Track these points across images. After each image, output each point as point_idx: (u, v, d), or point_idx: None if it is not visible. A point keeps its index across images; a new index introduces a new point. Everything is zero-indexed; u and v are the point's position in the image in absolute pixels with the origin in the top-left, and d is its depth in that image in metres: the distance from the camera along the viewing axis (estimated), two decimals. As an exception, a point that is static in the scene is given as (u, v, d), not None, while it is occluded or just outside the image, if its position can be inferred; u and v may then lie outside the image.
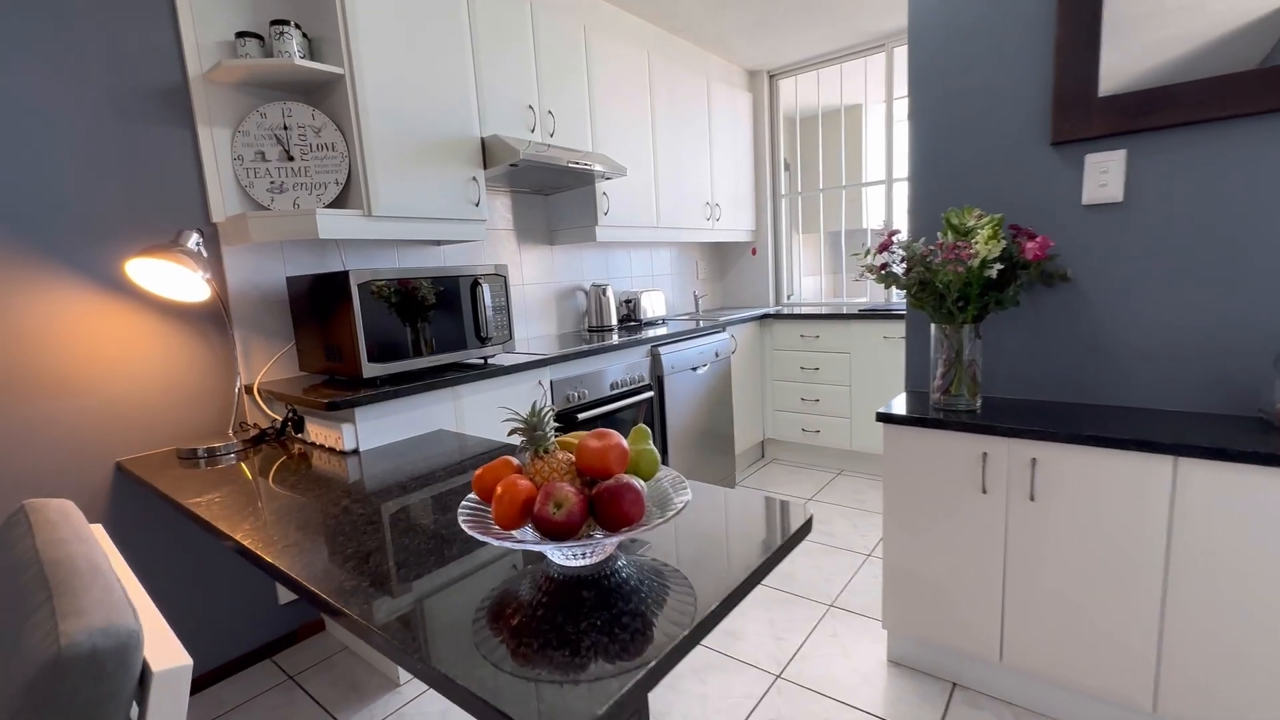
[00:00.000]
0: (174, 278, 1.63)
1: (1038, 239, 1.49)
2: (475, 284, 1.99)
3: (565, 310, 3.08)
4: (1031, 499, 1.47)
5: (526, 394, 2.13)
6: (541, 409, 0.92)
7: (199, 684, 1.85)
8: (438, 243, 2.46)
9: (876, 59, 3.65)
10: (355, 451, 1.61)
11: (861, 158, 4.53)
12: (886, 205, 3.61)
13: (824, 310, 3.68)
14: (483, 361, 2.10)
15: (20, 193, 1.52)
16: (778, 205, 4.05)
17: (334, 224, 1.82)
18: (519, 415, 0.91)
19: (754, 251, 4.10)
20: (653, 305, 3.32)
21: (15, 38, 1.50)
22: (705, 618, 0.71)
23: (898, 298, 3.67)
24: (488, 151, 2.23)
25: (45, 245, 1.56)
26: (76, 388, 1.61)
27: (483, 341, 2.02)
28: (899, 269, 1.64)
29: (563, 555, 0.85)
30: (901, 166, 3.60)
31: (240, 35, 1.75)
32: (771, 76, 3.94)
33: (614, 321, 3.08)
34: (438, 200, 2.09)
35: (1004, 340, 1.77)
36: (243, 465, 1.52)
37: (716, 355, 3.05)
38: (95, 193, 1.63)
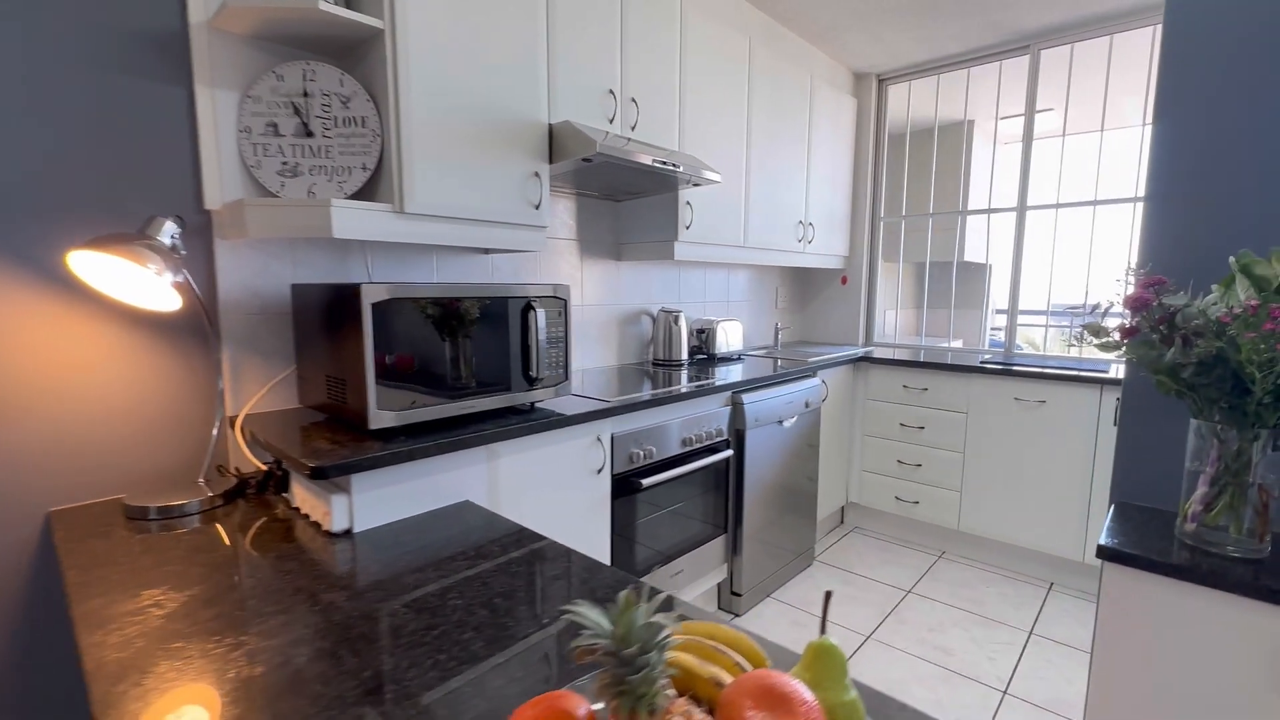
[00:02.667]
0: (135, 279, 1.23)
1: None
2: (528, 307, 1.53)
3: (628, 338, 2.61)
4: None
5: (581, 454, 1.66)
6: (642, 627, 0.44)
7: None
8: (485, 251, 2.03)
9: (1014, 64, 3.07)
10: (348, 534, 1.16)
11: (961, 180, 3.93)
12: (1019, 235, 3.01)
13: (922, 354, 3.10)
14: (529, 407, 1.64)
15: (-55, 155, 1.15)
16: (876, 229, 3.50)
17: (354, 221, 1.40)
18: (591, 621, 0.43)
19: (844, 280, 3.55)
20: (729, 337, 2.82)
21: (-44, -49, 1.13)
22: None
23: (1020, 349, 3.05)
24: (555, 142, 1.79)
25: (-25, 226, 1.18)
26: (7, 413, 1.22)
27: (531, 382, 1.56)
28: (1150, 333, 1.09)
29: None
30: (1040, 191, 3.01)
31: (256, -29, 1.36)
32: (881, 81, 3.41)
33: (684, 355, 2.59)
34: (490, 198, 1.65)
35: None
36: (210, 530, 1.09)
37: (807, 405, 2.52)
38: (55, 162, 1.25)
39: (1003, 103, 4.00)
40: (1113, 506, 1.32)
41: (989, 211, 3.21)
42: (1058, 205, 2.94)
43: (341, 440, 1.29)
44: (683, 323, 2.58)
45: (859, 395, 3.03)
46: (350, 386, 1.31)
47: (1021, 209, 3.00)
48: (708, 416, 2.07)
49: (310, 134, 1.48)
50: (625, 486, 1.78)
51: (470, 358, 1.44)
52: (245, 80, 1.47)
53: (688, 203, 2.30)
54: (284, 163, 1.48)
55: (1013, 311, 3.09)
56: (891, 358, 2.91)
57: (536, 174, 1.76)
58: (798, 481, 2.56)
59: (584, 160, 1.76)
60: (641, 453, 1.82)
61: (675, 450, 1.95)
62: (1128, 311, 1.11)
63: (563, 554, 1.06)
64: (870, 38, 2.99)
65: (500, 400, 1.50)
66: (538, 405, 1.66)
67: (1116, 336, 1.13)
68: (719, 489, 2.17)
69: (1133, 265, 1.14)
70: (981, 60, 3.09)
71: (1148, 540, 1.13)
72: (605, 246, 2.47)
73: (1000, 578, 2.62)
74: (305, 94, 1.47)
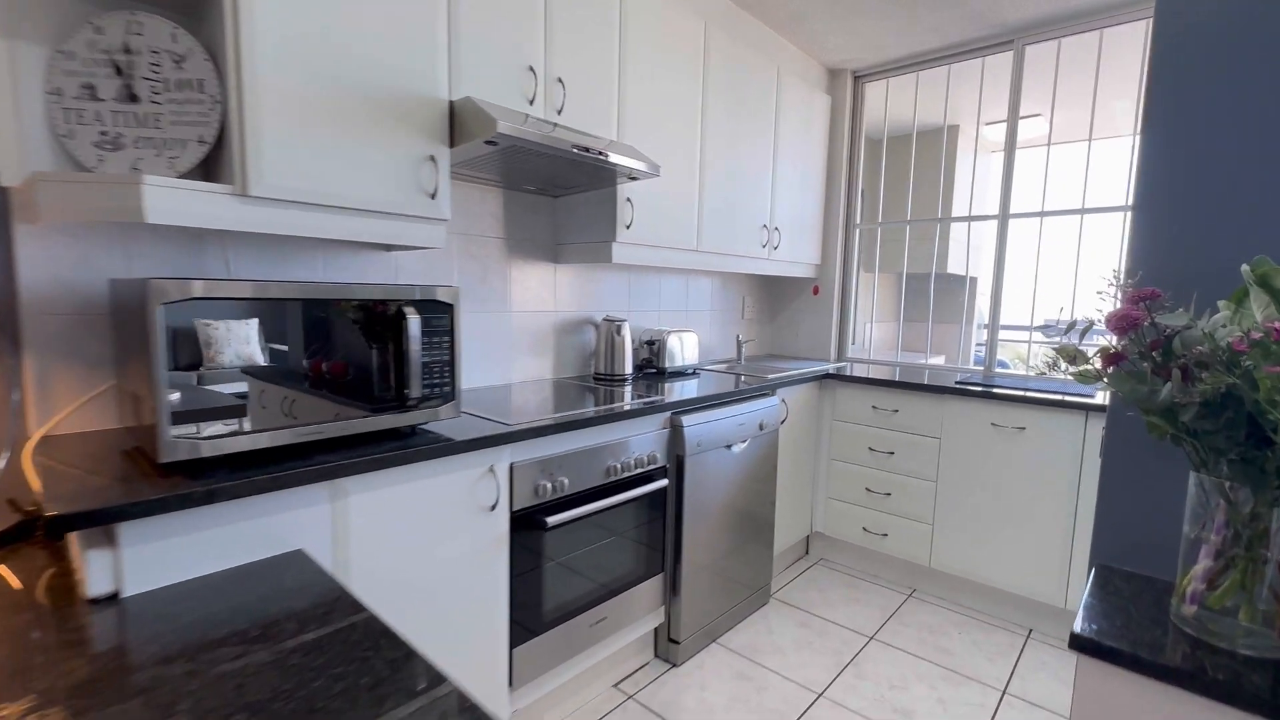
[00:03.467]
0: None
1: None
2: (398, 314, 1.28)
3: (568, 349, 2.36)
4: None
5: (467, 488, 1.40)
6: None
7: None
8: (387, 248, 1.77)
9: (998, 62, 2.85)
10: (114, 598, 0.90)
11: (942, 186, 3.72)
12: (1000, 245, 2.78)
13: (898, 372, 2.86)
14: (410, 430, 1.38)
15: None
16: (850, 237, 3.26)
17: (178, 204, 1.14)
18: None
19: (816, 290, 3.32)
20: (684, 350, 2.57)
21: None
22: None
23: (1004, 368, 2.81)
24: (457, 122, 1.55)
25: None
26: None
27: (403, 403, 1.30)
28: (1138, 362, 0.85)
29: None
30: (1023, 198, 2.78)
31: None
32: (857, 78, 3.19)
33: (628, 368, 2.34)
34: (368, 184, 1.40)
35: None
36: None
37: (761, 428, 2.27)
38: None
39: (986, 108, 3.79)
40: (1092, 571, 1.07)
41: (970, 219, 2.98)
42: (1042, 214, 2.71)
43: (133, 475, 1.03)
44: (626, 333, 2.33)
45: (825, 415, 2.78)
46: (146, 406, 1.04)
47: (1004, 216, 2.78)
48: (640, 441, 1.82)
49: (135, 99, 1.23)
50: (529, 524, 1.52)
51: (322, 373, 1.18)
52: (56, 32, 1.22)
53: (628, 200, 2.06)
54: (103, 133, 1.22)
55: (993, 327, 2.86)
56: (859, 375, 2.66)
57: (432, 158, 1.51)
58: (752, 511, 2.31)
59: (488, 144, 1.52)
60: (551, 484, 1.56)
61: (597, 480, 1.69)
62: (1112, 333, 0.86)
63: (375, 636, 0.80)
64: (843, 28, 2.77)
65: (357, 425, 1.24)
66: (420, 429, 1.40)
67: (1098, 364, 0.88)
68: (655, 523, 1.91)
69: (1118, 273, 0.90)
70: (963, 55, 2.87)
71: (1135, 624, 0.88)
72: (540, 247, 2.22)
73: (974, 622, 2.36)
74: (129, 50, 1.22)
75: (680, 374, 2.55)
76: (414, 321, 1.28)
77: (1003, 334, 2.92)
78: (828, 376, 2.73)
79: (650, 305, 2.71)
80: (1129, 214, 2.51)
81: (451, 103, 1.55)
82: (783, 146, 2.82)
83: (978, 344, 5.19)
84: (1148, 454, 1.11)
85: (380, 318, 1.26)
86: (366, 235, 1.43)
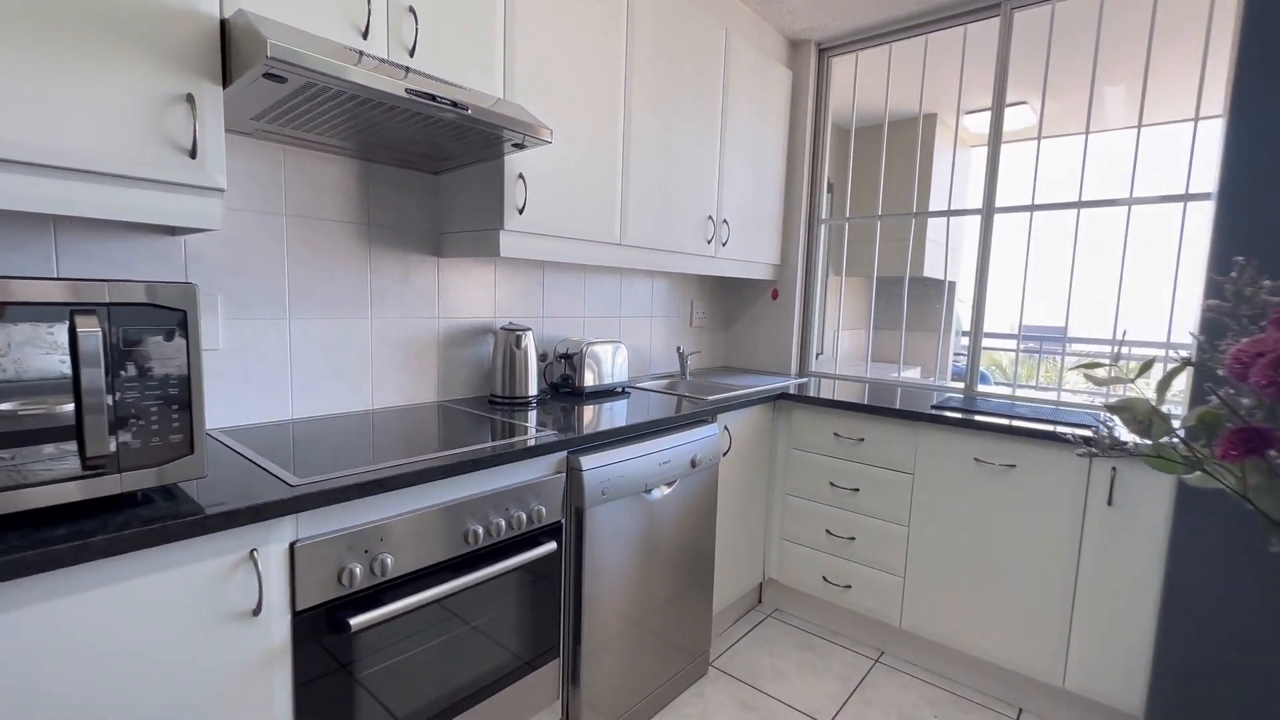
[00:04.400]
0: None
1: None
2: (70, 326, 0.81)
3: (458, 365, 1.90)
4: None
5: (209, 586, 0.93)
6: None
7: None
8: (171, 231, 1.30)
9: (982, 33, 2.46)
10: None
11: (917, 181, 3.34)
12: (984, 242, 2.38)
13: (867, 390, 2.45)
14: (135, 499, 0.91)
15: None
16: (814, 234, 2.85)
17: None
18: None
19: (775, 294, 2.90)
20: (611, 364, 2.12)
21: None
22: None
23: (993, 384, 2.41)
24: (232, 48, 1.08)
25: None
26: None
27: (84, 460, 0.83)
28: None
29: None
30: (1008, 195, 2.39)
31: None
32: (822, 50, 2.78)
33: (533, 389, 1.88)
34: (80, 131, 0.93)
35: None
36: None
37: (694, 464, 1.83)
38: None
39: (967, 94, 3.42)
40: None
41: (949, 214, 2.58)
42: (1032, 207, 2.32)
43: None
44: (530, 345, 1.88)
45: (780, 443, 2.35)
46: None
47: (988, 210, 2.38)
48: (518, 492, 1.37)
49: None
50: (324, 627, 1.06)
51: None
52: None
53: (519, 177, 1.61)
54: None
55: (975, 337, 2.46)
56: (817, 396, 2.24)
57: (190, 98, 1.05)
58: (685, 565, 1.87)
59: (269, 78, 1.05)
60: (365, 567, 1.10)
61: (448, 552, 1.24)
62: (1238, 387, 0.44)
63: None
64: (803, -13, 2.35)
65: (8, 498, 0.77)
66: (147, 496, 0.93)
67: (1208, 449, 0.46)
68: (545, 596, 1.46)
69: (1240, 264, 0.48)
70: (943, 23, 2.47)
71: None
72: (417, 236, 1.76)
73: (950, 697, 1.95)
74: None
75: (605, 394, 2.10)
76: (88, 338, 0.81)
77: (985, 341, 2.53)
78: (782, 397, 2.31)
79: (572, 310, 2.26)
80: (1133, 208, 2.13)
81: (224, 21, 1.08)
82: (734, 125, 2.39)
83: (956, 353, 4.84)
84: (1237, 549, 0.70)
85: (48, 333, 0.79)
86: (78, 207, 0.96)
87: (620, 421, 1.67)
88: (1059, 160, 2.60)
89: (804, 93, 2.75)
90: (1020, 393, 2.39)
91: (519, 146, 1.49)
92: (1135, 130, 2.16)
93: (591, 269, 2.32)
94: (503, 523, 1.32)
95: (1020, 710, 1.90)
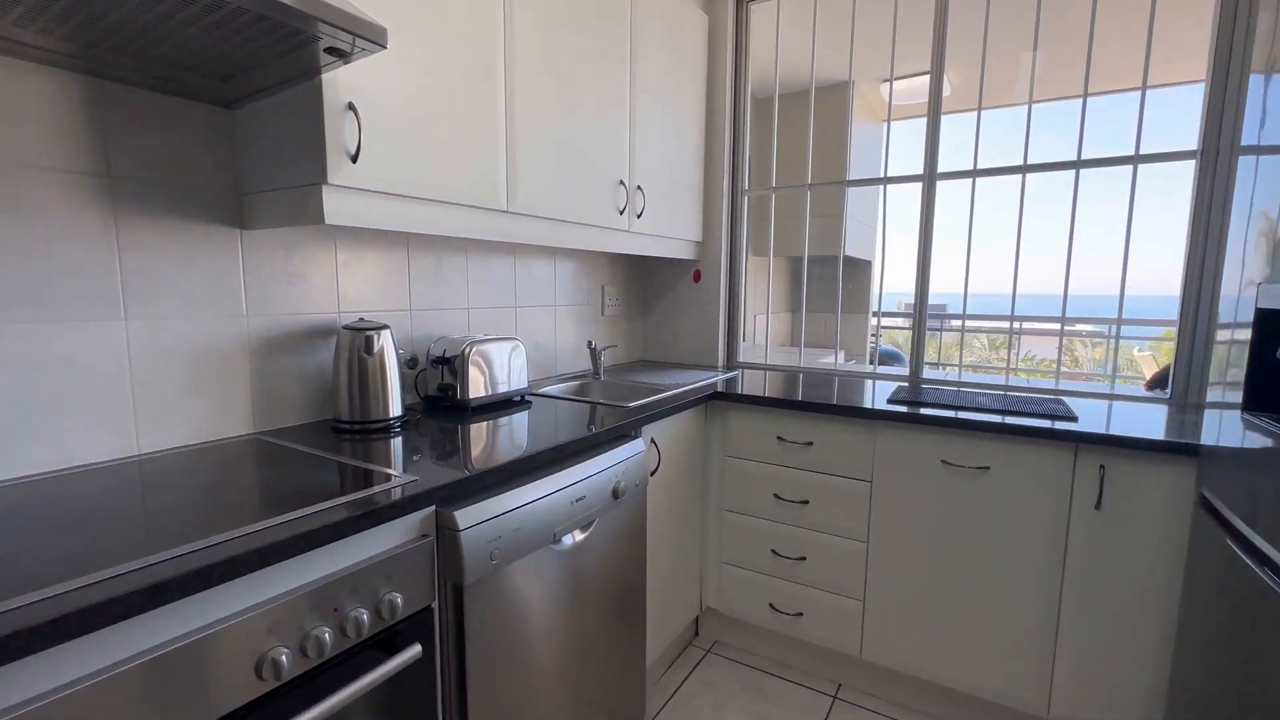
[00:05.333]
0: None
1: None
2: None
3: (283, 380, 1.36)
4: None
5: None
6: None
7: None
8: None
9: (913, -24, 2.19)
10: None
11: (850, 151, 3.12)
12: (926, 211, 2.13)
13: (801, 384, 2.15)
14: None
15: None
16: (738, 206, 2.51)
17: None
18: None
19: (698, 276, 2.53)
20: (504, 368, 1.66)
21: None
22: None
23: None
24: None
25: None
26: None
27: None
28: None
29: None
30: (952, 156, 2.15)
31: None
32: (740, -4, 2.42)
33: (396, 407, 1.39)
34: None
35: None
36: None
37: (617, 494, 1.41)
38: None
39: (888, 62, 3.21)
40: None
41: (885, 181, 2.32)
42: (975, 173, 2.09)
43: None
44: (386, 346, 1.38)
45: (714, 451, 2.00)
46: None
47: (930, 176, 2.13)
48: (356, 579, 0.89)
49: None
50: None
51: None
52: None
53: (349, 107, 1.11)
54: None
55: (920, 317, 2.22)
56: (758, 395, 1.89)
57: None
58: (610, 620, 1.46)
59: None
60: (32, 782, 0.60)
61: (224, 704, 0.75)
62: None
63: None
64: (721, -94, 1.96)
65: None
66: None
67: None
68: (411, 714, 1.00)
69: None
70: (873, -36, 2.18)
71: None
72: (204, 198, 1.21)
73: (924, 735, 1.69)
74: None
75: (499, 406, 1.64)
76: None
77: (890, 320, 2.31)
78: (715, 397, 1.94)
79: (451, 300, 1.77)
80: (1082, 171, 1.94)
81: None
82: (644, 73, 1.97)
83: (872, 335, 4.75)
84: None
85: None
86: None
87: (519, 447, 1.23)
88: (966, 131, 2.39)
89: (722, 42, 2.38)
90: (966, 376, 2.17)
91: (339, 55, 0.99)
92: (1081, 99, 1.98)
93: (474, 246, 1.83)
94: (328, 635, 0.84)
95: (997, 743, 1.66)
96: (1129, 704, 1.45)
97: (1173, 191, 1.71)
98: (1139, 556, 1.41)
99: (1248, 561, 1.05)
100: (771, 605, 1.93)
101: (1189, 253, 1.76)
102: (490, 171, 1.43)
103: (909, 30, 2.37)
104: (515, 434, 1.36)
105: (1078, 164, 1.95)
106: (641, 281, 2.66)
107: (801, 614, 1.88)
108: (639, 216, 2.02)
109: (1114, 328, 4.93)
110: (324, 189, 1.10)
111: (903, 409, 1.67)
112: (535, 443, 1.28)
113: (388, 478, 1.03)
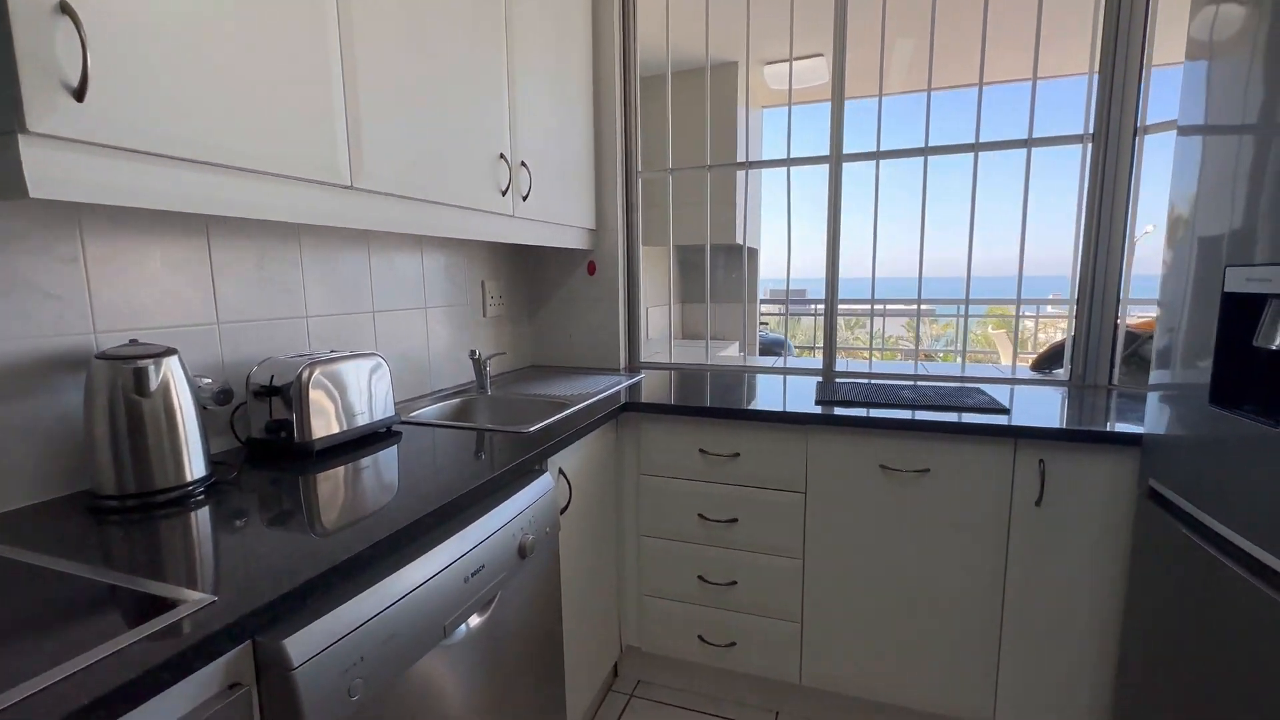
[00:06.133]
0: None
1: None
2: None
3: (5, 442, 0.89)
4: None
5: None
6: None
7: None
8: None
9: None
10: None
11: (746, 133, 3.01)
12: (834, 194, 2.01)
13: (709, 383, 1.97)
14: None
15: None
16: (633, 190, 2.25)
17: None
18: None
19: (593, 268, 2.25)
20: (362, 394, 1.27)
21: None
22: None
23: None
24: None
25: None
26: None
27: None
28: None
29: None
30: (805, 146, 2.04)
31: None
32: (625, -51, 2.14)
33: (200, 464, 0.97)
34: None
35: None
36: None
37: (524, 552, 1.10)
38: None
39: (772, 43, 3.12)
40: None
41: (789, 163, 2.17)
42: (878, 155, 2.01)
43: None
44: (173, 379, 0.95)
45: (628, 470, 1.74)
46: None
47: (837, 157, 2.01)
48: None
49: None
50: None
51: None
52: None
53: (61, 8, 0.69)
54: None
55: (831, 306, 2.11)
56: (676, 404, 1.66)
57: None
58: (522, 696, 1.15)
59: None
60: None
61: None
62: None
63: None
64: None
65: None
66: None
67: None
68: None
69: None
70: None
71: None
72: None
73: (870, 759, 1.56)
74: None
75: (355, 445, 1.25)
76: None
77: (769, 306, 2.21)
78: (628, 408, 1.68)
79: (280, 307, 1.34)
80: (981, 154, 1.91)
81: None
82: (521, 32, 1.64)
83: (761, 323, 4.75)
84: None
85: None
86: None
87: (386, 511, 0.88)
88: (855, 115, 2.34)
89: (608, 8, 2.09)
90: (875, 366, 2.10)
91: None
92: (977, 87, 1.94)
93: (311, 233, 1.41)
94: None
95: (942, 754, 1.58)
96: (1075, 702, 1.41)
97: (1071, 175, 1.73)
98: (1081, 552, 1.36)
99: (1214, 554, 0.99)
100: (701, 637, 1.72)
101: (1084, 235, 1.77)
102: (323, 131, 1.05)
103: (787, 13, 2.24)
104: (380, 488, 1.00)
105: (976, 146, 1.92)
106: (528, 276, 2.32)
107: (734, 644, 1.68)
108: (525, 199, 1.69)
109: (962, 308, 5.34)
110: (21, 142, 0.67)
111: (837, 411, 1.51)
112: (409, 500, 0.93)
113: (170, 604, 0.65)
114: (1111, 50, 1.69)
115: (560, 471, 1.36)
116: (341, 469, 1.11)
